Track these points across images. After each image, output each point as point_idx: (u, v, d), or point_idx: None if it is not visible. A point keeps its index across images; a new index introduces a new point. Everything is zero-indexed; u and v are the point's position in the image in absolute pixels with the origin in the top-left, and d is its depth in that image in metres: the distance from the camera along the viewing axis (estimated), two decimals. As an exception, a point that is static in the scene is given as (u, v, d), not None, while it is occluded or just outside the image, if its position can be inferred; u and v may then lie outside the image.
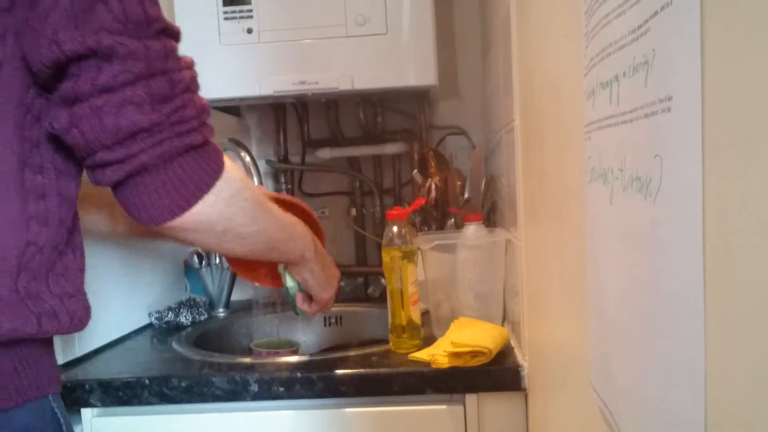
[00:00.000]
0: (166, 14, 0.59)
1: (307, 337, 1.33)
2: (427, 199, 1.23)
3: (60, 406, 0.62)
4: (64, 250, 0.61)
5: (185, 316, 1.24)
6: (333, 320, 1.34)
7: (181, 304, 1.27)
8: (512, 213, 0.94)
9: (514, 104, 0.88)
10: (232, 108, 1.45)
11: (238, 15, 1.18)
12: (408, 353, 0.94)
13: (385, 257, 0.97)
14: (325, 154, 1.45)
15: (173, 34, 0.59)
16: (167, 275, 1.35)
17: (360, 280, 1.50)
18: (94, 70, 0.52)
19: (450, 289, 1.03)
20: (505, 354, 0.91)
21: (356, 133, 1.47)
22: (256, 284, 0.99)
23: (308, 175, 1.53)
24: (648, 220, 0.33)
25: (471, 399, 0.89)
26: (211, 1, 1.18)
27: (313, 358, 0.97)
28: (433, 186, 1.25)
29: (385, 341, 1.00)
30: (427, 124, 1.45)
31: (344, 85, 1.18)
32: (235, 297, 1.40)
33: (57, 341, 0.70)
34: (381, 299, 1.27)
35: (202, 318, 1.28)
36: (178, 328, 1.22)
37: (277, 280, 0.93)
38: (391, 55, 1.17)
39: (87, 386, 0.90)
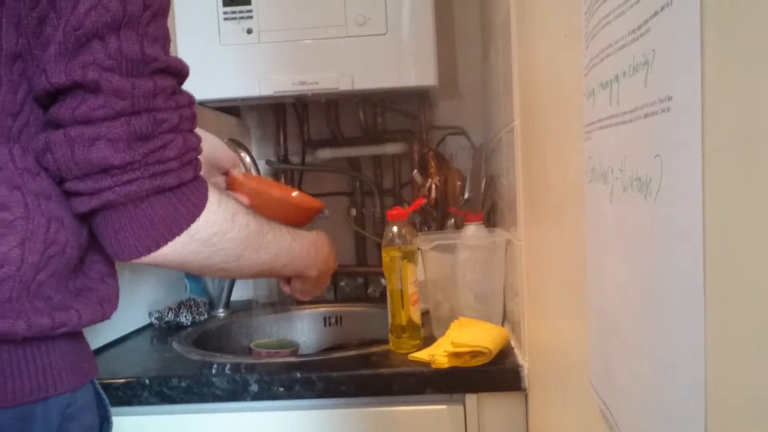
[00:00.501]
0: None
1: (307, 337, 1.33)
2: (427, 199, 1.23)
3: (99, 387, 0.64)
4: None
5: (185, 316, 1.24)
6: (333, 320, 1.34)
7: (181, 304, 1.27)
8: (512, 213, 0.94)
9: (514, 104, 0.88)
10: (232, 108, 1.45)
11: (238, 15, 1.18)
12: (408, 353, 0.94)
13: (385, 257, 0.97)
14: (325, 154, 1.45)
15: (175, 73, 0.58)
16: (167, 275, 1.35)
17: (360, 280, 1.50)
18: (78, 99, 0.53)
19: (450, 289, 1.03)
20: (505, 354, 0.91)
21: (356, 133, 1.47)
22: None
23: (308, 175, 1.53)
24: (648, 220, 0.33)
25: (471, 399, 0.89)
26: (211, 1, 1.18)
27: (313, 358, 0.97)
28: (433, 186, 1.25)
29: (385, 341, 1.00)
30: (427, 124, 1.45)
31: (344, 85, 1.18)
32: (235, 297, 1.40)
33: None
34: (381, 299, 1.27)
35: (202, 318, 1.28)
36: (178, 328, 1.22)
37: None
38: (391, 55, 1.17)
39: (87, 386, 0.90)
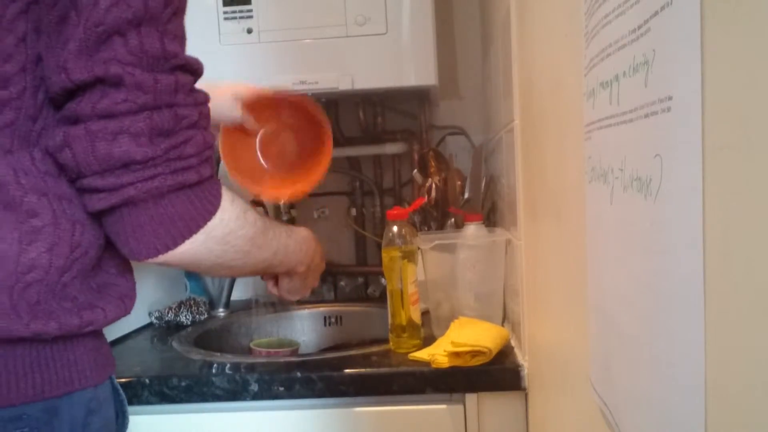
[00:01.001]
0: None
1: (307, 336, 1.33)
2: (427, 198, 1.23)
3: (116, 382, 0.65)
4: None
5: (185, 316, 1.24)
6: (333, 320, 1.34)
7: (181, 304, 1.28)
8: (512, 213, 0.94)
9: (514, 104, 0.88)
10: (232, 108, 1.44)
11: (238, 15, 1.18)
12: (408, 353, 0.94)
13: (385, 257, 0.97)
14: (325, 154, 1.45)
15: (192, 71, 0.58)
16: (167, 275, 1.35)
17: (360, 280, 1.50)
18: (98, 94, 0.52)
19: (450, 289, 1.03)
20: (505, 354, 0.91)
21: (356, 133, 1.47)
22: (258, 197, 0.97)
23: (308, 175, 1.52)
24: (648, 220, 0.33)
25: (471, 399, 0.89)
26: (211, 1, 1.18)
27: (313, 358, 0.97)
28: (433, 186, 1.25)
29: (385, 341, 1.00)
30: (427, 124, 1.45)
31: (344, 85, 1.18)
32: (235, 297, 1.40)
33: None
34: (381, 299, 1.27)
35: (202, 318, 1.28)
36: (178, 327, 1.22)
37: (280, 191, 0.91)
38: (391, 55, 1.17)
39: (87, 386, 0.90)
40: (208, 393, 0.89)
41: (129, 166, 0.54)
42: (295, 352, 1.15)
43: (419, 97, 1.40)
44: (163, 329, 1.22)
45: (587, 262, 0.48)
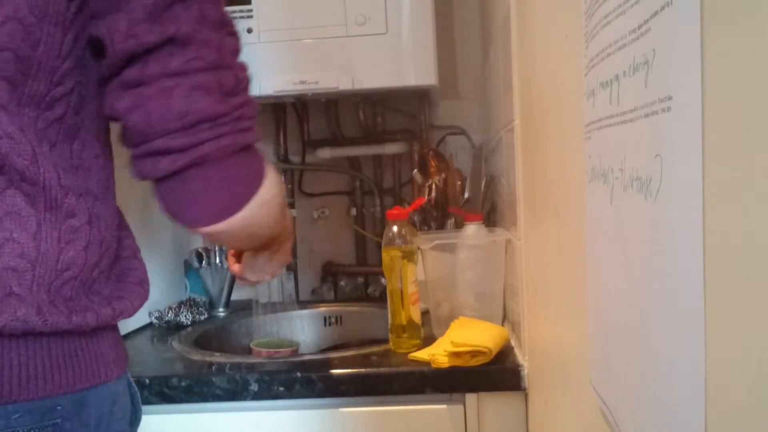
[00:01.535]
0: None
1: (307, 336, 1.33)
2: (427, 198, 1.23)
3: (130, 376, 0.66)
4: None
5: (185, 316, 1.24)
6: (333, 320, 1.34)
7: (181, 304, 1.28)
8: (512, 213, 0.94)
9: (514, 104, 0.88)
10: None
11: (238, 15, 1.18)
12: (408, 353, 0.94)
13: (385, 257, 0.97)
14: (325, 153, 1.45)
15: (239, 39, 0.60)
16: (167, 275, 1.35)
17: (360, 280, 1.50)
18: (166, 56, 0.53)
19: (450, 289, 1.03)
20: (505, 354, 0.91)
21: (356, 133, 1.47)
22: None
23: (308, 175, 1.53)
24: (648, 220, 0.33)
25: (471, 399, 0.89)
26: (211, 1, 1.18)
27: (313, 358, 0.97)
28: (433, 186, 1.25)
29: (385, 341, 1.00)
30: (427, 124, 1.45)
31: (344, 85, 1.18)
32: (235, 297, 1.41)
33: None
34: (381, 299, 1.27)
35: (202, 318, 1.28)
36: (178, 327, 1.22)
37: None
38: (391, 55, 1.17)
39: (87, 386, 0.90)
40: (208, 393, 0.89)
41: (203, 123, 0.54)
42: (295, 352, 1.15)
43: (419, 97, 1.40)
44: (163, 329, 1.22)
45: (587, 262, 0.48)
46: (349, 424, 0.90)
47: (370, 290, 1.48)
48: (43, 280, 0.53)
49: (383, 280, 1.32)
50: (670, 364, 0.31)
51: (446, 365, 0.87)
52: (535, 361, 0.82)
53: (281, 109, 1.49)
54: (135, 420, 0.66)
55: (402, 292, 0.96)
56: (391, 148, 1.43)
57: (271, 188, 0.62)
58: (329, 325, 1.34)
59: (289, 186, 1.51)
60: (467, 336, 0.89)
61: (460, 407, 0.89)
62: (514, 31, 0.88)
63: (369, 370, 0.89)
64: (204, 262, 1.33)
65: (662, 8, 0.30)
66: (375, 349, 0.98)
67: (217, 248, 1.34)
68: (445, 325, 0.98)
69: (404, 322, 0.97)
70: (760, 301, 0.24)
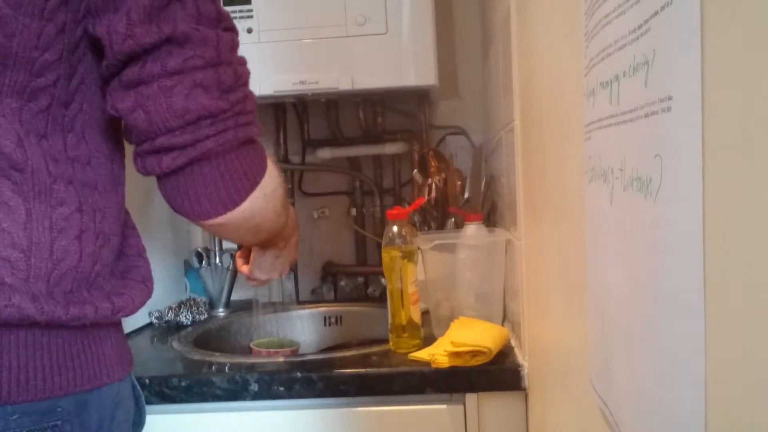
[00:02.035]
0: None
1: (307, 336, 1.33)
2: (427, 198, 1.23)
3: (134, 378, 0.67)
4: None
5: (185, 316, 1.24)
6: (333, 320, 1.34)
7: (181, 304, 1.27)
8: (512, 213, 0.94)
9: (514, 104, 0.88)
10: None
11: (238, 15, 1.18)
12: (408, 353, 0.94)
13: (385, 257, 0.97)
14: (325, 154, 1.45)
15: (237, 34, 0.60)
16: (167, 275, 1.35)
17: (360, 280, 1.50)
18: (164, 55, 0.53)
19: (450, 289, 1.03)
20: (505, 354, 0.91)
21: (356, 133, 1.47)
22: None
23: (308, 175, 1.53)
24: (648, 220, 0.33)
25: (471, 399, 0.89)
26: (211, 1, 1.18)
27: (313, 358, 0.97)
28: (433, 186, 1.25)
29: (385, 341, 1.00)
30: (427, 124, 1.45)
31: (344, 85, 1.18)
32: (235, 297, 1.40)
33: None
34: (381, 299, 1.27)
35: (202, 318, 1.28)
36: (178, 327, 1.22)
37: None
38: (391, 55, 1.17)
39: (87, 386, 0.90)
40: (208, 393, 0.89)
41: (204, 120, 0.55)
42: (295, 352, 1.15)
43: (419, 97, 1.40)
44: (163, 329, 1.22)
45: (587, 262, 0.48)
46: (349, 424, 0.90)
47: (370, 290, 1.48)
48: (40, 270, 0.52)
49: (383, 280, 1.32)
50: (670, 364, 0.31)
51: (446, 365, 0.87)
52: (535, 361, 0.82)
53: (281, 109, 1.49)
54: (139, 422, 0.66)
55: (402, 292, 0.97)
56: (391, 148, 1.43)
57: (272, 181, 0.63)
58: (329, 325, 1.34)
59: (289, 186, 1.51)
60: (467, 336, 0.89)
61: (460, 407, 0.89)
62: (514, 31, 0.88)
63: (369, 370, 0.89)
64: (204, 262, 1.33)
65: (662, 8, 0.30)
66: (375, 349, 0.98)
67: (217, 248, 1.34)
68: (445, 325, 0.98)
69: (404, 322, 0.97)
70: (760, 301, 0.24)
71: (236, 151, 0.58)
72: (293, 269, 1.52)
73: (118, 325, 0.63)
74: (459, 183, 1.24)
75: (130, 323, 1.20)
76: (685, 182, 0.29)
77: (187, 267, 1.42)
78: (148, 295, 0.63)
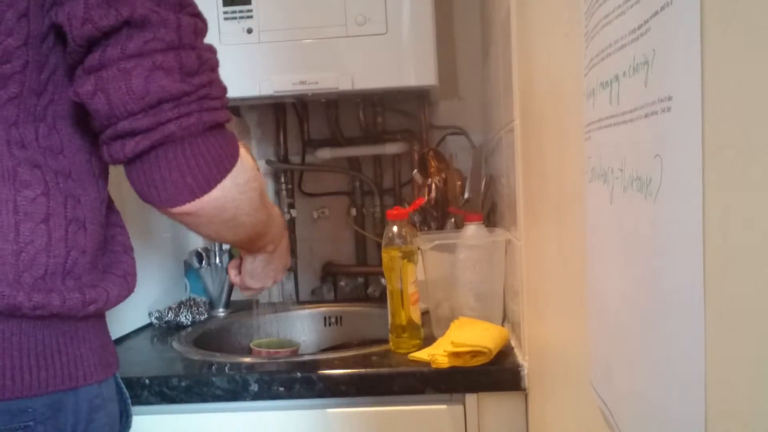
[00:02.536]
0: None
1: (307, 336, 1.33)
2: (427, 198, 1.23)
3: (120, 381, 0.65)
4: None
5: (185, 316, 1.24)
6: (333, 320, 1.34)
7: (181, 304, 1.27)
8: (512, 213, 0.94)
9: (514, 104, 0.88)
10: (232, 108, 1.44)
11: (238, 15, 1.18)
12: (408, 353, 0.94)
13: (385, 257, 0.97)
14: (325, 154, 1.45)
15: (203, 21, 0.59)
16: (167, 275, 1.35)
17: (360, 280, 1.50)
18: (124, 38, 0.52)
19: (450, 289, 1.03)
20: (505, 354, 0.91)
21: (356, 133, 1.47)
22: None
23: (308, 175, 1.53)
24: (648, 220, 0.33)
25: (471, 399, 0.89)
26: (211, 1, 1.18)
27: (313, 358, 0.97)
28: (433, 186, 1.25)
29: (385, 341, 1.00)
30: (427, 124, 1.45)
31: (344, 85, 1.18)
32: (235, 297, 1.40)
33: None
34: (381, 299, 1.27)
35: (202, 318, 1.28)
36: (178, 327, 1.22)
37: None
38: (391, 55, 1.17)
39: (87, 386, 0.90)
40: (208, 393, 0.89)
41: (165, 103, 0.54)
42: (295, 352, 1.15)
43: (419, 97, 1.40)
44: (163, 329, 1.22)
45: (587, 262, 0.48)
46: (349, 424, 0.90)
47: (370, 290, 1.48)
48: (5, 252, 0.51)
49: (383, 280, 1.32)
50: (670, 364, 0.31)
51: (446, 365, 0.87)
52: (535, 361, 0.82)
53: (281, 109, 1.49)
54: (125, 426, 0.65)
55: (402, 292, 0.96)
56: (391, 148, 1.43)
57: (245, 171, 0.61)
58: (329, 325, 1.34)
59: (289, 186, 1.51)
60: (467, 336, 0.89)
61: (460, 407, 0.89)
62: (514, 31, 0.88)
63: (369, 370, 0.89)
64: (204, 262, 1.33)
65: (662, 8, 0.30)
66: (375, 349, 0.98)
67: (217, 248, 1.34)
68: (445, 325, 0.98)
69: (404, 323, 0.97)
70: (760, 301, 0.24)
71: (202, 136, 0.56)
72: (293, 269, 1.52)
73: (99, 325, 0.61)
74: (459, 183, 1.24)
75: (129, 323, 1.20)
76: (685, 182, 0.29)
77: (187, 267, 1.42)
78: (128, 290, 0.61)
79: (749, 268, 0.25)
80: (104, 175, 0.61)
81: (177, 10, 0.55)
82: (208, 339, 1.18)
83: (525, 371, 0.86)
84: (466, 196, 1.23)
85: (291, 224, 1.52)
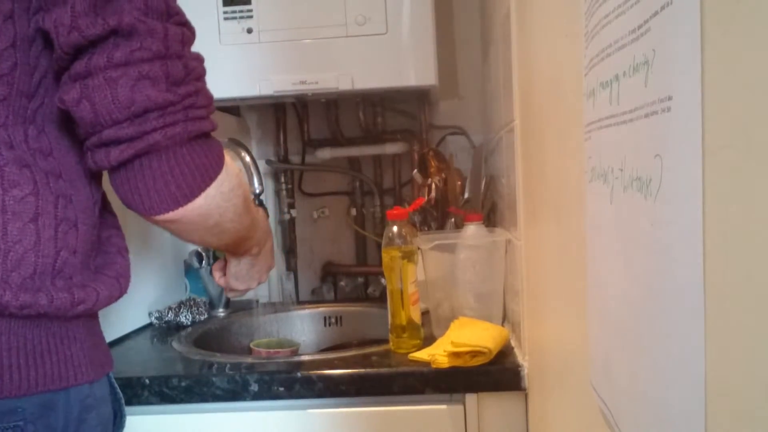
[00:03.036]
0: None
1: (307, 336, 1.33)
2: (427, 198, 1.23)
3: (114, 381, 0.65)
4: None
5: (185, 316, 1.24)
6: (333, 320, 1.34)
7: (181, 304, 1.27)
8: (512, 213, 0.94)
9: (514, 104, 0.88)
10: (232, 108, 1.45)
11: (238, 15, 1.18)
12: (408, 353, 0.94)
13: (385, 257, 0.97)
14: (325, 154, 1.46)
15: (192, 31, 0.60)
16: (167, 275, 1.35)
17: (360, 280, 1.50)
18: (110, 47, 0.53)
19: (450, 289, 1.03)
20: (505, 354, 0.91)
21: (356, 133, 1.47)
22: None
23: (308, 175, 1.53)
24: (648, 220, 0.33)
25: (471, 399, 0.89)
26: (211, 1, 1.18)
27: (313, 358, 0.97)
28: (433, 186, 1.25)
29: (385, 341, 1.00)
30: (427, 124, 1.45)
31: (344, 85, 1.18)
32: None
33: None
34: (381, 299, 1.27)
35: (202, 318, 1.28)
36: (178, 327, 1.22)
37: None
38: (391, 55, 1.17)
39: (87, 386, 0.90)
40: (208, 393, 0.89)
41: (150, 113, 0.54)
42: (295, 352, 1.15)
43: (419, 97, 1.40)
44: (163, 329, 1.22)
45: (587, 262, 0.48)
46: (349, 424, 0.90)
47: (370, 290, 1.48)
48: None
49: (383, 280, 1.32)
50: (670, 364, 0.31)
51: (446, 365, 0.87)
52: (535, 361, 0.82)
53: (281, 109, 1.49)
54: (119, 426, 0.65)
55: (402, 292, 0.96)
56: (391, 148, 1.43)
57: (230, 179, 0.62)
58: (329, 325, 1.34)
59: (289, 186, 1.51)
60: (467, 336, 0.89)
61: (460, 407, 0.89)
62: (514, 31, 0.88)
63: (369, 370, 0.89)
64: (204, 262, 1.33)
65: (662, 8, 0.30)
66: (375, 349, 0.98)
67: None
68: (445, 325, 0.98)
69: (404, 322, 0.97)
70: (760, 302, 0.24)
71: (187, 145, 0.57)
72: (293, 269, 1.52)
73: (90, 325, 0.61)
74: (459, 183, 1.24)
75: (129, 323, 1.20)
76: (685, 182, 0.29)
77: (187, 267, 1.42)
78: (120, 292, 0.61)
79: (749, 268, 0.25)
80: (97, 176, 0.61)
81: (164, 20, 0.55)
82: (208, 339, 1.18)
83: (525, 371, 0.86)
84: (466, 196, 1.23)
85: (291, 224, 1.52)
